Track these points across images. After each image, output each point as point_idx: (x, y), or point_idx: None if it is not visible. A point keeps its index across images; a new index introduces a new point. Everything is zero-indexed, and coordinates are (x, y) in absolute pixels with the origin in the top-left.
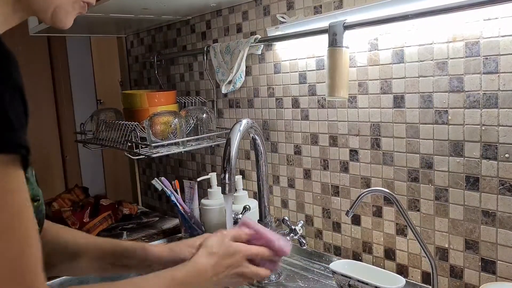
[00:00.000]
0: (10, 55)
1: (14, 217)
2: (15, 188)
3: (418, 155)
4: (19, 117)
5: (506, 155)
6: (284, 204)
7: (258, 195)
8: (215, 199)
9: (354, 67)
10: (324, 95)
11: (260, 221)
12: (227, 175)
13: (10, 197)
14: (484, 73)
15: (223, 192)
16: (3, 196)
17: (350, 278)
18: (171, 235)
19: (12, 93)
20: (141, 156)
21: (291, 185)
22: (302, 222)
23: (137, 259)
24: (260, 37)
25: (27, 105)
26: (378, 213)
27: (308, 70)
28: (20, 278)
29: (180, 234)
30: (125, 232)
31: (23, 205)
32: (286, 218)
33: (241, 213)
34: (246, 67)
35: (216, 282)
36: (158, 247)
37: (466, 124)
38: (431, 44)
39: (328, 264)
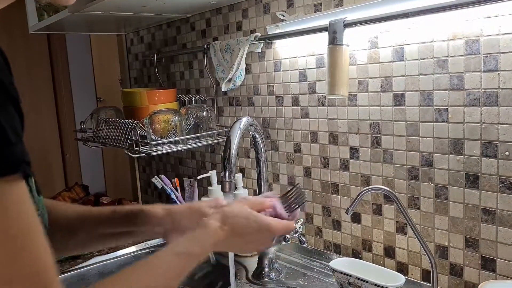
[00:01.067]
0: None
1: (25, 235)
2: (20, 206)
3: (418, 153)
4: (14, 127)
5: (506, 153)
6: None
7: (258, 193)
8: (215, 197)
9: (354, 65)
10: (324, 93)
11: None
12: (227, 173)
13: (17, 215)
14: (484, 71)
15: (223, 190)
16: (11, 215)
17: (350, 276)
18: None
19: (3, 101)
20: (141, 154)
21: (291, 183)
22: (302, 220)
23: (139, 224)
24: (260, 35)
25: (21, 108)
26: (378, 211)
27: (308, 68)
28: None
29: None
30: None
31: (31, 221)
32: None
33: None
34: (246, 65)
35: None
36: (155, 208)
37: (466, 122)
38: (431, 42)
39: (328, 262)
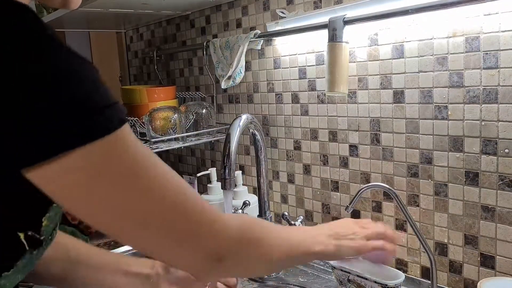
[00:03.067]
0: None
1: (164, 171)
2: (134, 147)
3: (417, 150)
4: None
5: (506, 150)
6: (284, 199)
7: (258, 191)
8: (215, 194)
9: (354, 62)
10: (324, 90)
11: (260, 216)
12: (226, 171)
13: (144, 157)
14: (484, 68)
15: (223, 187)
16: (145, 160)
17: (349, 273)
18: None
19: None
20: None
21: (290, 180)
22: (301, 217)
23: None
24: (259, 32)
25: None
26: (377, 208)
27: (308, 65)
28: (199, 223)
29: None
30: None
31: (157, 159)
32: (286, 213)
33: (240, 209)
34: (245, 62)
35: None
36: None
37: (465, 120)
38: (431, 39)
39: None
